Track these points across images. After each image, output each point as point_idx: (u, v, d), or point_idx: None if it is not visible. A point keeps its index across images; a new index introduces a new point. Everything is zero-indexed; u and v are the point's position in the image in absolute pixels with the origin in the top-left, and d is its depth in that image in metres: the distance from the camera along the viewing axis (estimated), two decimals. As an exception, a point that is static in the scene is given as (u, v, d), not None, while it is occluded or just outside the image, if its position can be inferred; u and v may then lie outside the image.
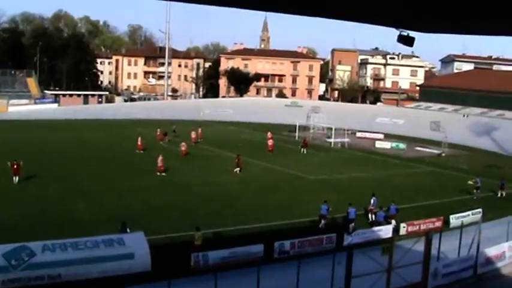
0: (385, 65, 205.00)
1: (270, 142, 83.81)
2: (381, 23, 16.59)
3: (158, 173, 61.17)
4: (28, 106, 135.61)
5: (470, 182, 60.08)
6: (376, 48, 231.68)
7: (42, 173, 59.24)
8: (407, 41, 18.37)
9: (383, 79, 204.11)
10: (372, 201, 47.95)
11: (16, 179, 55.53)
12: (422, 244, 32.38)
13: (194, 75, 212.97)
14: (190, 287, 30.27)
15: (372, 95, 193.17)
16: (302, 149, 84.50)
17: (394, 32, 18.12)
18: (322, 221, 44.70)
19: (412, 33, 18.08)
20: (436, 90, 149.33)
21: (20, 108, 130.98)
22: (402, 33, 18.14)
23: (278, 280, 30.55)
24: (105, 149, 78.88)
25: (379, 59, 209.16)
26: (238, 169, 65.27)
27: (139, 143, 78.46)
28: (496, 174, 71.25)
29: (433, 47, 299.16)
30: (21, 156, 65.00)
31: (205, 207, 49.94)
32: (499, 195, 59.28)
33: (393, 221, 45.34)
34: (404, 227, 42.91)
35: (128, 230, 36.05)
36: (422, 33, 18.07)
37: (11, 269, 28.53)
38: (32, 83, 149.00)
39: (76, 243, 30.95)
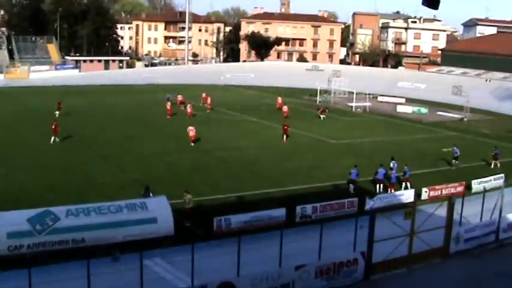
0: (406, 28, 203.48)
1: (285, 108, 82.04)
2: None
3: (192, 144, 59.64)
4: (49, 72, 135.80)
5: (444, 150, 57.74)
6: (398, 12, 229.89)
7: (66, 139, 59.51)
8: (433, 4, 18.19)
9: (404, 43, 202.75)
10: (392, 164, 47.78)
11: (55, 138, 58.72)
12: (444, 209, 32.33)
13: (215, 40, 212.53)
14: (214, 250, 30.36)
15: (393, 59, 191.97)
16: (321, 116, 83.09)
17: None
18: (351, 186, 44.66)
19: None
20: (458, 54, 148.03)
21: (41, 75, 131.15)
22: (427, -5, 17.97)
23: (300, 244, 30.55)
24: (127, 114, 78.97)
25: (400, 22, 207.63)
26: (285, 137, 64.42)
27: (168, 107, 78.82)
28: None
29: (456, 11, 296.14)
30: (45, 121, 65.67)
31: (226, 171, 50.14)
32: (492, 165, 55.38)
33: (407, 184, 45.92)
34: (426, 191, 42.90)
35: (151, 194, 36.22)
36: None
37: (36, 233, 28.88)
38: (52, 49, 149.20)
39: (99, 208, 31.23)
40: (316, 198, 39.53)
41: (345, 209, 38.98)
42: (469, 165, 55.10)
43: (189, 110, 78.09)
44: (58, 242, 29.37)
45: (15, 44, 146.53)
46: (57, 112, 73.81)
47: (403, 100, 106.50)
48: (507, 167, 54.28)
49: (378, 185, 45.42)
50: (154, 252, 28.99)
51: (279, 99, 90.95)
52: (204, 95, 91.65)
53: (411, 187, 44.79)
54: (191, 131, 59.66)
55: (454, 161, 54.56)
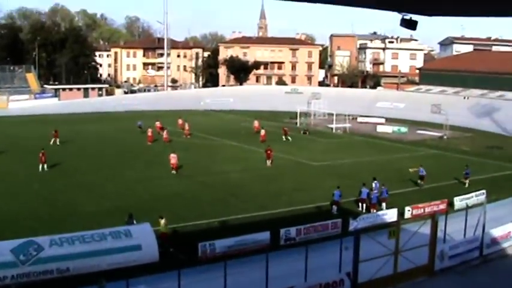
0: (384, 49, 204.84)
1: (262, 132, 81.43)
2: (385, 7, 16.64)
3: (174, 172, 58.77)
4: (28, 101, 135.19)
5: (411, 170, 56.63)
6: (375, 33, 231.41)
7: (49, 167, 59.30)
8: (411, 25, 18.43)
9: (382, 63, 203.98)
10: (374, 184, 47.96)
11: (43, 167, 59.22)
12: (428, 227, 32.52)
13: (193, 65, 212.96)
14: (199, 276, 30.32)
15: (371, 80, 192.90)
16: (284, 137, 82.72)
17: (392, 16, 18.19)
18: (334, 207, 44.77)
19: (414, 17, 18.13)
20: (435, 73, 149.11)
21: (20, 104, 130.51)
22: (405, 17, 18.19)
23: (286, 266, 30.67)
24: (108, 142, 78.87)
25: (377, 43, 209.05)
26: (269, 162, 64.04)
27: (149, 134, 78.78)
28: (497, 156, 71.73)
29: (432, 30, 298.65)
30: (24, 151, 65.60)
31: (209, 196, 50.15)
32: (466, 185, 54.58)
33: (383, 204, 46.19)
34: (409, 210, 43.15)
35: (135, 221, 36.18)
36: (424, 17, 18.13)
37: (20, 264, 28.63)
38: (31, 78, 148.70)
39: (83, 237, 31.04)
40: (299, 221, 39.61)
41: (329, 230, 39.07)
42: (450, 183, 55.47)
43: (165, 135, 78.89)
44: (43, 272, 29.16)
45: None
46: (53, 140, 75.16)
47: (382, 120, 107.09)
48: (488, 182, 54.71)
49: (361, 204, 45.68)
50: (139, 279, 28.90)
51: (256, 123, 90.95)
52: (180, 121, 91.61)
53: (386, 207, 45.05)
54: (173, 159, 58.92)
55: (419, 181, 54.42)
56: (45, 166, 59.24)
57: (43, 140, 72.86)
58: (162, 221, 36.49)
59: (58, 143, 74.43)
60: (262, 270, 27.75)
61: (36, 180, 54.65)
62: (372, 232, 31.93)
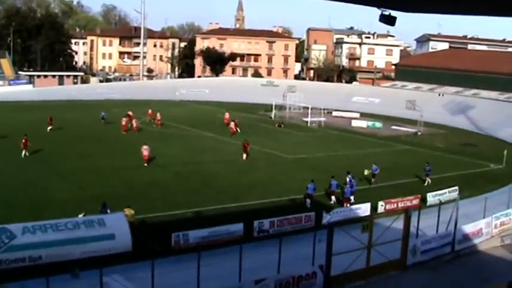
0: (360, 44, 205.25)
1: (232, 124, 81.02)
2: (364, 2, 16.69)
3: (145, 164, 57.53)
4: (2, 87, 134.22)
5: (366, 173, 54.41)
6: (352, 28, 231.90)
7: (20, 155, 58.91)
8: (389, 20, 18.50)
9: (358, 58, 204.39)
10: (348, 179, 48.19)
11: (25, 153, 59.47)
12: (400, 222, 32.72)
13: (169, 55, 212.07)
14: (173, 266, 30.33)
15: (347, 74, 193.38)
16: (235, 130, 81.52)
17: (369, 11, 18.38)
18: (308, 200, 44.92)
19: (393, 13, 18.20)
20: (411, 69, 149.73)
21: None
22: (384, 12, 18.26)
23: (259, 258, 30.75)
24: (83, 130, 78.40)
25: (354, 38, 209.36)
26: (245, 155, 63.32)
27: (123, 123, 78.86)
28: (471, 153, 72.32)
29: (409, 27, 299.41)
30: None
31: (184, 186, 50.22)
32: (425, 183, 54.67)
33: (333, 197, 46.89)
34: (382, 205, 43.43)
35: (108, 210, 36.09)
36: (402, 13, 18.22)
37: (-8, 251, 28.49)
38: (5, 64, 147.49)
39: (56, 225, 30.85)
40: (273, 213, 39.77)
41: (302, 223, 39.28)
42: (423, 179, 55.78)
43: (134, 124, 79.30)
44: (15, 259, 28.97)
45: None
46: (49, 127, 75.77)
47: (357, 115, 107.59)
48: (461, 179, 55.25)
49: (332, 197, 45.93)
50: (113, 268, 28.80)
51: (226, 115, 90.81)
52: (149, 111, 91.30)
53: (354, 200, 45.74)
54: (145, 150, 57.94)
55: (372, 179, 53.86)
56: (27, 152, 59.48)
57: (16, 128, 72.32)
58: (127, 211, 36.35)
59: (48, 130, 75.60)
60: (236, 261, 27.79)
61: (8, 168, 54.38)
62: (346, 226, 32.08)
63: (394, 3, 16.79)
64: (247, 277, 27.69)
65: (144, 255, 29.19)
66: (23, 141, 59.49)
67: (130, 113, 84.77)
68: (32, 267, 28.52)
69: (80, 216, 35.54)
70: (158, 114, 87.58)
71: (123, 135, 75.81)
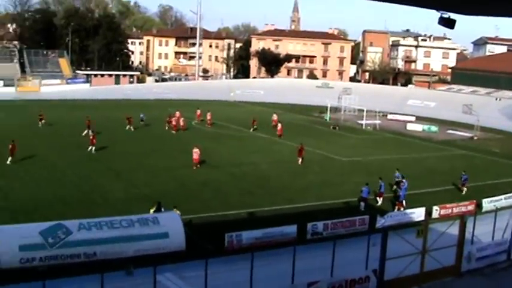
0: (416, 46, 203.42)
1: (279, 126, 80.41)
2: (424, 5, 16.50)
3: (194, 167, 56.50)
4: (60, 86, 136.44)
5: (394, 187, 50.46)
6: (408, 30, 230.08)
7: (77, 153, 59.68)
8: (449, 23, 18.25)
9: (414, 61, 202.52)
10: (402, 183, 47.69)
11: (92, 149, 61.30)
12: (455, 227, 32.32)
13: (225, 56, 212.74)
14: (225, 266, 30.35)
15: (403, 77, 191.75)
16: (252, 128, 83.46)
17: (426, 13, 18.11)
18: (362, 203, 44.67)
19: (453, 16, 17.96)
20: (468, 72, 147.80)
21: (52, 88, 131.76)
22: (443, 15, 18.02)
23: (312, 261, 30.58)
24: (138, 129, 78.91)
25: (410, 40, 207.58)
26: (300, 160, 61.65)
27: (174, 123, 79.38)
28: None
29: (466, 29, 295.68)
30: (53, 135, 66.22)
31: (237, 187, 50.36)
32: (462, 192, 51.88)
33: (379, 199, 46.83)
34: (437, 210, 42.90)
35: (163, 209, 36.31)
36: (461, 16, 17.96)
37: (48, 246, 28.90)
38: (64, 63, 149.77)
39: (111, 222, 31.27)
40: (327, 215, 39.59)
41: (356, 227, 39.03)
42: (481, 184, 54.89)
43: (182, 123, 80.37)
44: (70, 255, 29.40)
45: (27, 58, 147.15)
46: (40, 123, 78.03)
47: (413, 118, 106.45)
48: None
49: (362, 203, 45.17)
50: (166, 267, 28.94)
51: (274, 116, 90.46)
52: (198, 111, 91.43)
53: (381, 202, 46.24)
54: (195, 154, 57.07)
55: (394, 186, 50.25)
56: (93, 149, 61.22)
57: (73, 126, 73.31)
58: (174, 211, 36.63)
59: (133, 129, 77.85)
60: (289, 263, 27.76)
61: (66, 165, 55.17)
62: (400, 230, 31.80)
63: (454, 6, 16.56)
64: (300, 279, 27.66)
65: (197, 255, 29.29)
66: (91, 137, 61.85)
67: (178, 113, 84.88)
68: (86, 264, 28.92)
69: (151, 211, 35.93)
70: (209, 114, 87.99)
71: (175, 134, 76.28)
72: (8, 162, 54.35)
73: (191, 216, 37.34)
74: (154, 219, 32.20)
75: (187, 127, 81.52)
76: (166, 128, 79.94)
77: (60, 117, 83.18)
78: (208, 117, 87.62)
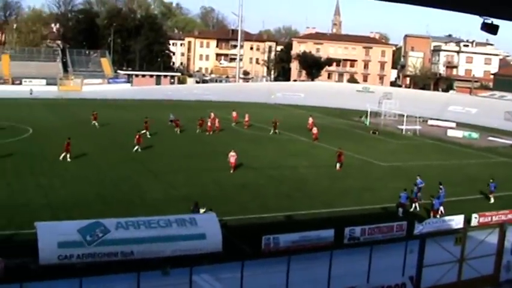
0: (458, 52, 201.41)
1: (315, 130, 79.97)
2: (467, 10, 16.35)
3: (231, 171, 55.73)
4: (102, 86, 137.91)
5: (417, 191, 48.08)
6: (450, 35, 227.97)
7: (115, 152, 60.13)
8: (492, 29, 18.06)
9: (456, 67, 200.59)
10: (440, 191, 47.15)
11: (137, 149, 62.00)
12: (495, 236, 31.90)
13: (266, 58, 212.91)
14: (261, 269, 30.29)
15: (444, 83, 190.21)
16: (272, 130, 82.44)
17: (468, 19, 17.95)
18: (400, 209, 44.33)
19: (496, 21, 17.78)
20: (511, 79, 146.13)
21: (93, 88, 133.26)
22: (486, 20, 17.85)
23: (348, 266, 30.46)
24: (174, 130, 79.07)
25: (452, 46, 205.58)
26: (339, 165, 60.44)
27: (209, 124, 79.76)
28: None
29: (509, 35, 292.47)
30: (93, 134, 66.84)
31: (275, 190, 50.20)
32: (490, 201, 50.10)
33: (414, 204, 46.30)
34: (476, 217, 42.47)
35: (201, 210, 36.42)
36: (505, 21, 17.77)
37: (86, 244, 29.26)
38: (105, 63, 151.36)
39: (149, 222, 31.56)
40: (365, 220, 39.43)
41: (394, 233, 38.81)
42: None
43: (217, 124, 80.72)
44: (107, 253, 29.71)
45: (70, 57, 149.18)
46: (94, 122, 78.15)
47: (453, 124, 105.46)
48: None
49: (400, 209, 44.71)
50: (202, 268, 29.00)
51: (310, 120, 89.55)
52: (234, 113, 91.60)
53: (416, 208, 45.82)
54: (232, 157, 56.33)
55: (415, 190, 47.92)
56: (139, 148, 62.25)
57: (113, 126, 73.83)
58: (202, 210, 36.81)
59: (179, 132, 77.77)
60: (325, 267, 27.70)
61: (105, 164, 55.66)
62: (438, 237, 31.49)
63: (498, 11, 16.40)
64: (336, 284, 27.58)
65: (233, 257, 29.35)
66: (137, 136, 62.57)
67: (212, 114, 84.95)
68: (123, 262, 29.14)
69: (202, 211, 36.08)
70: (246, 116, 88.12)
71: (215, 136, 76.45)
72: (60, 158, 55.64)
73: (228, 218, 37.38)
74: (192, 220, 32.40)
75: (222, 128, 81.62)
76: (197, 131, 79.13)
77: (102, 117, 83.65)
78: (246, 119, 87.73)
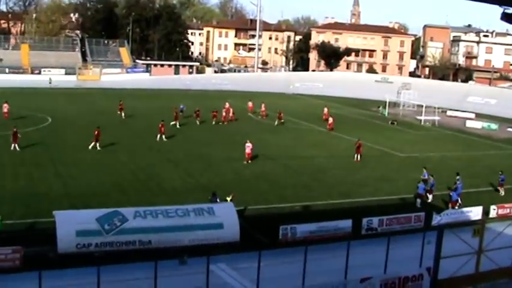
0: (478, 42, 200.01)
1: (330, 120, 79.58)
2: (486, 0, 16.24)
3: (245, 162, 55.28)
4: (120, 75, 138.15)
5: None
6: (469, 25, 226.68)
7: (134, 141, 60.34)
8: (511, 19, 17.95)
9: (475, 57, 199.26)
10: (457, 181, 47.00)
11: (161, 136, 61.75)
12: (513, 228, 31.77)
13: (284, 48, 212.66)
14: (278, 259, 30.28)
15: (463, 73, 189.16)
16: (277, 121, 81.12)
17: (488, 9, 17.81)
18: (418, 200, 44.19)
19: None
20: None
21: (112, 77, 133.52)
22: (506, 10, 17.72)
23: (366, 256, 30.38)
24: (193, 120, 79.06)
25: (472, 36, 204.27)
26: (358, 156, 60.03)
27: (223, 114, 79.99)
28: None
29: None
30: (112, 124, 67.08)
31: (293, 180, 50.18)
32: (501, 192, 49.51)
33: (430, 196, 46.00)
34: (494, 209, 42.26)
35: (218, 199, 36.48)
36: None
37: (104, 233, 29.47)
38: (124, 52, 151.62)
39: (167, 211, 31.70)
40: (382, 211, 39.35)
41: (412, 223, 38.73)
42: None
43: (231, 114, 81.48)
44: (125, 242, 29.88)
45: (88, 47, 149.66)
46: (120, 113, 77.76)
47: (472, 115, 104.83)
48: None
49: (418, 200, 44.55)
50: (219, 257, 29.04)
51: (325, 110, 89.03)
52: (250, 104, 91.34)
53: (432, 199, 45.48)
54: (248, 148, 55.95)
55: (420, 183, 46.82)
56: (163, 137, 62.52)
57: (131, 115, 73.95)
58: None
59: (198, 123, 77.04)
60: (342, 258, 27.70)
61: (123, 153, 55.88)
62: (455, 228, 31.37)
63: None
64: (353, 274, 27.58)
65: (251, 246, 29.40)
66: (160, 126, 62.81)
67: (227, 103, 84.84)
68: (141, 251, 29.28)
69: (228, 199, 36.16)
70: (263, 105, 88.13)
71: (230, 126, 76.57)
72: (89, 147, 56.35)
73: (246, 208, 37.45)
74: (210, 209, 32.50)
75: (237, 118, 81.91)
76: (213, 122, 78.12)
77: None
78: (262, 108, 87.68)
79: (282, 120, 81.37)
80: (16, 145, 54.17)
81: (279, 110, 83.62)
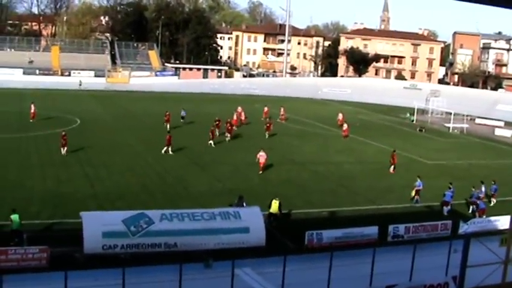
0: (508, 50, 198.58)
1: (345, 126, 77.98)
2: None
3: (260, 172, 52.93)
4: (149, 78, 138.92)
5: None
6: (500, 33, 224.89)
7: (161, 144, 60.59)
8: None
9: (506, 65, 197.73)
10: (483, 189, 46.74)
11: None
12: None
13: (313, 54, 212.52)
14: (304, 264, 30.32)
15: (493, 81, 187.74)
16: (266, 133, 73.28)
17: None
18: (445, 208, 43.94)
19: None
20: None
21: (141, 80, 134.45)
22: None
23: (391, 263, 30.32)
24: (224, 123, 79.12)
25: (502, 43, 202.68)
26: (392, 167, 57.87)
27: (234, 118, 77.97)
28: None
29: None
30: (142, 127, 67.42)
31: (319, 185, 50.14)
32: (491, 203, 47.69)
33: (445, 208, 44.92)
34: (523, 218, 41.88)
35: (245, 204, 36.53)
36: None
37: (130, 234, 29.59)
38: (153, 55, 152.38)
39: (193, 214, 31.77)
40: (409, 219, 39.20)
41: (438, 231, 38.53)
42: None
43: (243, 118, 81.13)
44: (151, 244, 29.99)
45: (118, 50, 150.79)
46: (165, 124, 71.92)
47: (501, 123, 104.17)
48: None
49: (445, 208, 44.24)
50: (244, 261, 29.09)
51: (340, 116, 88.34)
52: (265, 109, 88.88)
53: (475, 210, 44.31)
54: (261, 157, 53.51)
55: (416, 196, 47.14)
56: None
57: (160, 118, 74.11)
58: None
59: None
60: (367, 265, 27.65)
61: (150, 156, 56.14)
62: (482, 237, 31.18)
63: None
64: (379, 281, 27.53)
65: (276, 251, 29.42)
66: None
67: (240, 108, 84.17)
68: (166, 254, 29.39)
69: (276, 202, 36.30)
70: (282, 109, 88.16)
71: (256, 131, 76.21)
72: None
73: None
74: (236, 213, 32.53)
75: (249, 122, 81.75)
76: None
77: (149, 110, 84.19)
78: (282, 112, 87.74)
79: (270, 132, 74.13)
80: (64, 149, 54.10)
81: (268, 120, 79.42)
